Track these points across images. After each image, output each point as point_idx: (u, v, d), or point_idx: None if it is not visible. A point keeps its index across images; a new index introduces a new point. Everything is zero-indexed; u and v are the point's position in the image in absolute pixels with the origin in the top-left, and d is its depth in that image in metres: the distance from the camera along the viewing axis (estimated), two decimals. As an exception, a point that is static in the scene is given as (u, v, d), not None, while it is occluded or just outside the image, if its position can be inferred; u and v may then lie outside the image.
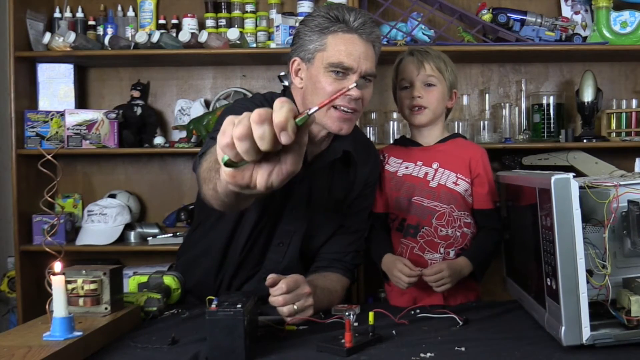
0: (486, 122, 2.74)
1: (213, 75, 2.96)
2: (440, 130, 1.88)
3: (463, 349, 1.20)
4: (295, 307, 1.35)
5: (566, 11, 2.78)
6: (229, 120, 0.78)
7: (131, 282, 1.61)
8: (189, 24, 2.76)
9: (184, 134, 2.78)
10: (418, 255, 1.80)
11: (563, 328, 1.14)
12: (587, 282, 1.14)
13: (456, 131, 2.60)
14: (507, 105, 2.76)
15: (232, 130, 0.76)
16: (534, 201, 1.28)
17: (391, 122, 2.75)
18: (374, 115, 2.80)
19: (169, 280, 1.60)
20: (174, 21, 2.82)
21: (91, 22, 2.83)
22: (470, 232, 1.82)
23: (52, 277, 1.15)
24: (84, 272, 1.30)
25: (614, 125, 2.71)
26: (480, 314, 1.48)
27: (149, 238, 2.72)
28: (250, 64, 2.92)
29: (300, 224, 1.64)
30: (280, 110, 0.74)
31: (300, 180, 1.61)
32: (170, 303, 1.59)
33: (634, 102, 2.74)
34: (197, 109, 2.82)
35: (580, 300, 1.12)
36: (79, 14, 2.84)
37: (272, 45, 2.71)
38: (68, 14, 2.83)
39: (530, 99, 2.77)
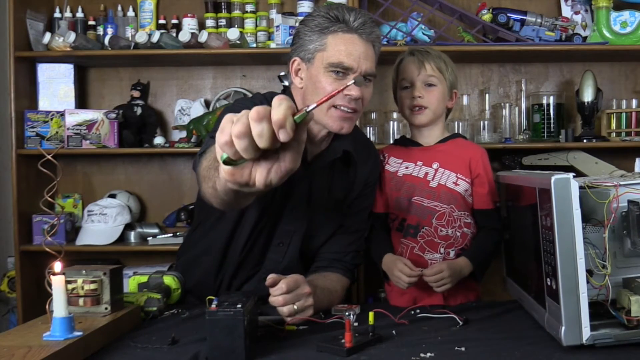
0: (486, 122, 2.74)
1: (213, 75, 2.96)
2: (440, 130, 1.88)
3: (463, 349, 1.20)
4: (295, 307, 1.35)
5: (566, 11, 2.78)
6: (228, 118, 0.78)
7: (131, 282, 1.61)
8: (189, 24, 2.76)
9: (184, 134, 2.78)
10: (418, 255, 1.80)
11: (563, 328, 1.14)
12: (587, 282, 1.14)
13: (456, 131, 2.60)
14: (507, 105, 2.76)
15: (230, 128, 0.76)
16: (534, 201, 1.28)
17: (391, 122, 2.75)
18: (374, 115, 2.80)
19: (169, 280, 1.60)
20: (174, 21, 2.82)
21: (91, 22, 2.83)
22: (471, 232, 1.82)
23: (52, 277, 1.15)
24: (84, 272, 1.30)
25: (614, 125, 2.71)
26: (480, 314, 1.48)
27: (149, 238, 2.72)
28: (250, 64, 2.92)
29: (300, 223, 1.64)
30: (279, 107, 0.74)
31: (300, 180, 1.61)
32: (170, 303, 1.59)
33: (634, 102, 2.74)
34: (197, 109, 2.82)
35: (580, 300, 1.12)
36: (79, 14, 2.84)
37: (272, 45, 2.71)
38: (68, 14, 2.83)
39: (530, 99, 2.77)
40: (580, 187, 1.16)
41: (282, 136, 0.74)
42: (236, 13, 2.80)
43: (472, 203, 1.83)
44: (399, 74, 1.86)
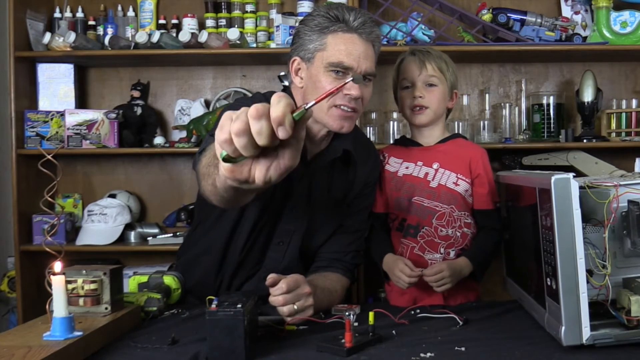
0: (486, 122, 2.74)
1: (213, 75, 2.96)
2: (440, 130, 1.88)
3: (463, 349, 1.20)
4: (295, 307, 1.35)
5: (566, 11, 2.78)
6: (227, 115, 0.78)
7: (131, 282, 1.61)
8: (189, 24, 2.76)
9: (184, 134, 2.78)
10: (418, 255, 1.80)
11: (563, 328, 1.14)
12: (587, 282, 1.14)
13: (456, 131, 2.60)
14: (507, 105, 2.76)
15: (230, 125, 0.77)
16: (534, 201, 1.28)
17: (391, 122, 2.75)
18: (374, 115, 2.80)
19: (169, 280, 1.60)
20: (174, 21, 2.82)
21: (91, 22, 2.83)
22: (471, 233, 1.82)
23: (52, 277, 1.15)
24: (84, 272, 1.30)
25: (614, 125, 2.71)
26: (480, 314, 1.48)
27: (149, 238, 2.72)
28: (250, 64, 2.92)
29: (300, 223, 1.64)
30: (278, 105, 0.74)
31: (300, 179, 1.61)
32: (170, 303, 1.59)
33: (634, 102, 2.74)
34: (197, 109, 2.82)
35: (580, 300, 1.12)
36: (79, 14, 2.84)
37: (272, 45, 2.71)
38: (68, 14, 2.83)
39: (530, 99, 2.77)
40: (580, 187, 1.16)
41: (281, 133, 0.74)
42: (236, 13, 2.80)
43: (472, 203, 1.83)
44: (399, 74, 1.86)
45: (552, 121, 2.68)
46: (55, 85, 2.82)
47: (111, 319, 1.27)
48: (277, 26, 2.68)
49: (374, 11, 2.61)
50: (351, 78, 0.84)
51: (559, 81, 2.90)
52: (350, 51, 1.50)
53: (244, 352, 1.12)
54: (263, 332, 1.31)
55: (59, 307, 1.13)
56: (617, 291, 1.19)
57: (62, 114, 2.69)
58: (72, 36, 2.62)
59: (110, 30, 2.79)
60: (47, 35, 2.67)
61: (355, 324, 1.37)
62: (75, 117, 2.68)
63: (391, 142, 2.40)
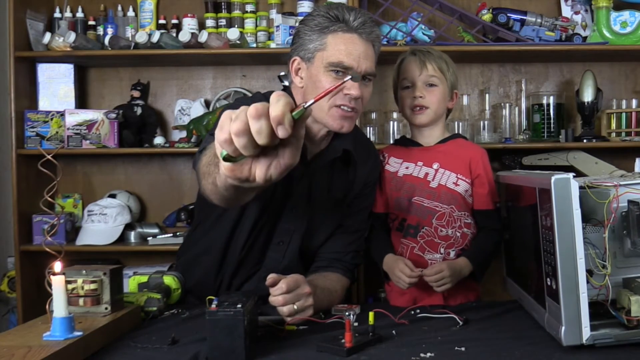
0: (486, 122, 2.74)
1: (213, 75, 2.96)
2: (440, 130, 1.88)
3: (463, 349, 1.20)
4: (295, 307, 1.35)
5: (566, 11, 2.79)
6: (227, 115, 0.79)
7: (131, 282, 1.61)
8: (189, 24, 2.76)
9: (184, 134, 2.78)
10: (418, 255, 1.80)
11: (563, 328, 1.14)
12: (587, 282, 1.14)
13: (456, 131, 2.60)
14: (507, 105, 2.76)
15: (229, 125, 0.77)
16: (534, 201, 1.28)
17: (391, 122, 2.75)
18: (374, 115, 2.80)
19: (169, 280, 1.60)
20: (174, 21, 2.82)
21: (91, 22, 2.83)
22: (471, 233, 1.82)
23: (52, 277, 1.15)
24: (84, 272, 1.30)
25: (614, 125, 2.71)
26: (480, 314, 1.48)
27: (149, 238, 2.72)
28: (250, 64, 2.92)
29: (300, 222, 1.64)
30: (277, 104, 0.74)
31: (300, 179, 1.61)
32: (170, 303, 1.59)
33: (634, 102, 2.74)
34: (197, 109, 2.82)
35: (580, 300, 1.12)
36: (79, 14, 2.84)
37: (272, 45, 2.71)
38: (68, 14, 2.83)
39: (530, 99, 2.77)
40: (580, 187, 1.16)
41: (281, 132, 0.74)
42: (236, 13, 2.80)
43: (472, 203, 1.83)
44: (400, 74, 1.86)
45: (552, 121, 2.68)
46: (55, 85, 2.82)
47: (111, 319, 1.27)
48: (277, 26, 2.68)
49: (374, 11, 2.61)
50: (349, 77, 0.84)
51: (559, 81, 2.90)
52: (350, 51, 1.50)
53: (244, 352, 1.12)
54: (263, 332, 1.31)
55: (59, 307, 1.13)
56: (617, 291, 1.19)
57: (62, 114, 2.69)
58: (72, 36, 2.62)
59: (110, 30, 2.79)
60: (47, 35, 2.67)
61: (355, 324, 1.37)
62: (75, 117, 2.68)
63: (391, 142, 2.40)
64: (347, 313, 1.44)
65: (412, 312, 1.48)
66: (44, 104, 2.81)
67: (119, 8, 2.89)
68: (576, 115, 2.77)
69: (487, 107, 2.82)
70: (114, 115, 2.70)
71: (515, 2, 2.81)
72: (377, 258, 1.82)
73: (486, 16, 2.63)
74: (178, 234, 2.67)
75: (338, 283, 1.65)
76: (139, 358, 1.18)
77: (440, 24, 2.79)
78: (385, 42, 2.53)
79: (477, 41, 2.66)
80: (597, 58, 2.80)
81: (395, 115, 2.74)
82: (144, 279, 1.60)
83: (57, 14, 2.84)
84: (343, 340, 1.19)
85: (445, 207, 1.79)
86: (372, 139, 2.66)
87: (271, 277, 1.35)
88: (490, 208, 1.82)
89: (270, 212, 1.61)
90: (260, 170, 0.80)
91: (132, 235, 2.75)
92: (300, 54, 1.56)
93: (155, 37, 2.60)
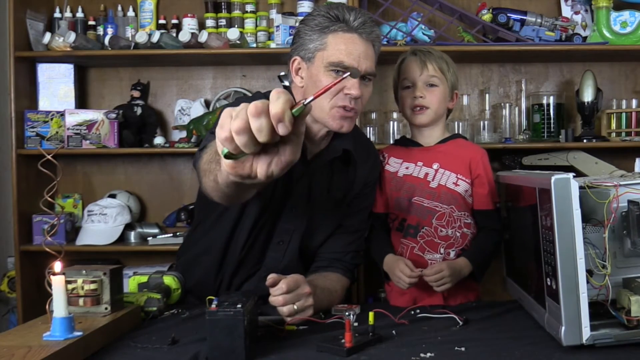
0: (486, 122, 2.74)
1: (213, 75, 2.96)
2: (440, 130, 1.88)
3: (463, 349, 1.20)
4: (295, 307, 1.35)
5: (566, 11, 2.78)
6: (227, 113, 0.79)
7: (131, 282, 1.61)
8: (189, 24, 2.76)
9: (184, 134, 2.78)
10: (418, 255, 1.80)
11: (563, 328, 1.14)
12: (587, 282, 1.14)
13: (456, 131, 2.60)
14: (507, 105, 2.76)
15: (230, 123, 0.77)
16: (534, 201, 1.28)
17: (391, 122, 2.75)
18: (374, 115, 2.80)
19: (169, 280, 1.60)
20: (174, 21, 2.82)
21: (91, 22, 2.83)
22: (471, 233, 1.82)
23: (52, 277, 1.15)
24: (84, 272, 1.30)
25: (614, 125, 2.71)
26: (480, 314, 1.48)
27: (149, 238, 2.72)
28: (250, 64, 2.92)
29: (299, 222, 1.64)
30: (277, 101, 0.74)
31: (300, 179, 1.61)
32: (170, 303, 1.59)
33: (634, 102, 2.74)
34: (197, 109, 2.82)
35: (580, 300, 1.12)
36: (79, 14, 2.84)
37: (272, 45, 2.71)
38: (68, 14, 2.83)
39: (530, 99, 2.77)
40: (580, 187, 1.16)
41: (281, 130, 0.75)
42: (236, 13, 2.80)
43: (472, 203, 1.83)
44: (400, 74, 1.86)
45: (552, 121, 2.68)
46: (55, 85, 2.82)
47: (111, 319, 1.27)
48: (277, 26, 2.68)
49: (374, 11, 2.61)
50: (348, 73, 0.85)
51: (559, 81, 2.90)
52: (351, 51, 1.51)
53: (244, 352, 1.12)
54: (263, 332, 1.31)
55: (59, 307, 1.13)
56: (617, 291, 1.19)
57: (62, 114, 2.69)
58: (72, 36, 2.62)
59: (110, 30, 2.79)
60: (47, 35, 2.67)
61: (355, 324, 1.37)
62: (75, 117, 2.68)
63: (391, 142, 2.40)
64: (347, 313, 1.44)
65: (412, 312, 1.48)
66: (44, 104, 2.81)
67: (119, 8, 2.89)
68: (576, 115, 2.77)
69: (487, 107, 2.82)
70: (114, 115, 2.70)
71: (515, 2, 2.81)
72: (377, 258, 1.82)
73: (486, 16, 2.63)
74: (178, 234, 2.67)
75: (338, 283, 1.65)
76: (139, 358, 1.18)
77: (440, 24, 2.79)
78: (385, 42, 2.53)
79: (477, 41, 2.66)
80: (597, 58, 2.80)
81: (395, 115, 2.74)
82: (144, 279, 1.60)
83: (57, 14, 2.84)
84: (343, 340, 1.19)
85: (445, 207, 1.79)
86: (372, 139, 2.66)
87: (271, 277, 1.35)
88: (490, 208, 1.82)
89: (270, 211, 1.61)
90: (261, 167, 0.81)
91: (132, 235, 2.75)
92: (301, 53, 1.56)
93: (155, 37, 2.60)
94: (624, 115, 2.71)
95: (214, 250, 1.66)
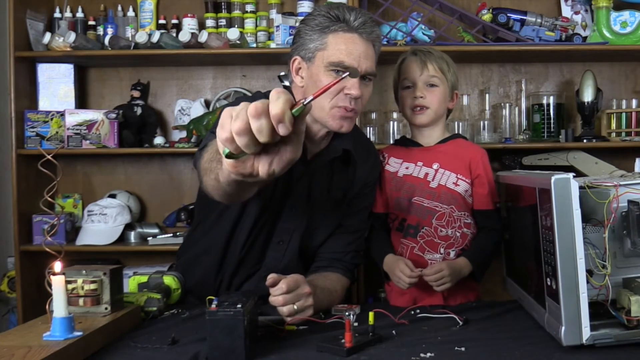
0: (486, 122, 2.74)
1: (213, 75, 2.96)
2: (440, 130, 1.88)
3: (463, 349, 1.20)
4: (295, 307, 1.35)
5: (566, 11, 2.78)
6: (227, 113, 0.79)
7: (131, 282, 1.61)
8: (189, 24, 2.76)
9: (184, 134, 2.78)
10: (418, 255, 1.80)
11: (563, 328, 1.14)
12: (587, 282, 1.14)
13: (456, 131, 2.60)
14: (507, 105, 2.76)
15: (230, 124, 0.78)
16: (534, 201, 1.28)
17: (391, 122, 2.75)
18: (374, 115, 2.80)
19: (169, 280, 1.60)
20: (174, 21, 2.82)
21: (91, 22, 2.83)
22: (471, 233, 1.82)
23: (52, 277, 1.15)
24: (84, 272, 1.30)
25: (614, 125, 2.71)
26: (480, 314, 1.48)
27: (149, 238, 2.72)
28: (250, 64, 2.92)
29: (299, 221, 1.64)
30: (277, 101, 0.75)
31: (300, 179, 1.61)
32: (170, 303, 1.59)
33: (634, 102, 2.74)
34: (197, 109, 2.82)
35: (580, 300, 1.12)
36: (79, 14, 2.84)
37: (272, 45, 2.71)
38: (68, 14, 2.83)
39: (530, 99, 2.77)
40: (580, 187, 1.16)
41: (282, 130, 0.75)
42: (236, 13, 2.80)
43: (472, 203, 1.83)
44: (400, 74, 1.86)
45: (552, 121, 2.68)
46: (55, 85, 2.82)
47: (111, 319, 1.27)
48: (277, 26, 2.68)
49: (374, 11, 2.61)
50: (347, 73, 0.85)
51: (559, 81, 2.90)
52: (351, 51, 1.51)
53: (244, 352, 1.12)
54: (263, 332, 1.31)
55: (59, 307, 1.13)
56: (617, 291, 1.19)
57: (62, 114, 2.69)
58: (72, 36, 2.62)
59: (110, 30, 2.79)
60: (47, 35, 2.67)
61: (355, 324, 1.37)
62: (75, 117, 2.68)
63: (391, 142, 2.40)
64: (347, 313, 1.44)
65: (412, 312, 1.48)
66: (44, 104, 2.81)
67: (119, 8, 2.89)
68: (576, 115, 2.77)
69: (487, 107, 2.82)
70: (114, 115, 2.70)
71: (515, 2, 2.81)
72: (377, 258, 1.82)
73: (486, 16, 2.63)
74: (178, 234, 2.67)
75: (338, 283, 1.65)
76: (139, 358, 1.18)
77: (440, 24, 2.79)
78: (385, 42, 2.53)
79: (477, 41, 2.66)
80: (597, 58, 2.80)
81: (395, 115, 2.74)
82: (144, 279, 1.60)
83: (57, 14, 2.84)
84: (343, 340, 1.19)
85: (445, 207, 1.79)
86: (372, 139, 2.66)
87: (271, 277, 1.35)
88: (490, 208, 1.82)
89: (270, 211, 1.61)
90: (262, 166, 0.81)
91: (132, 235, 2.75)
92: (301, 53, 1.56)
93: (155, 37, 2.60)
94: (624, 115, 2.71)
95: (214, 250, 1.66)
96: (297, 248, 1.66)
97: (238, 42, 2.65)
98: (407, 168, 1.84)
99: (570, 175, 1.15)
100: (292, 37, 1.69)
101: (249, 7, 2.81)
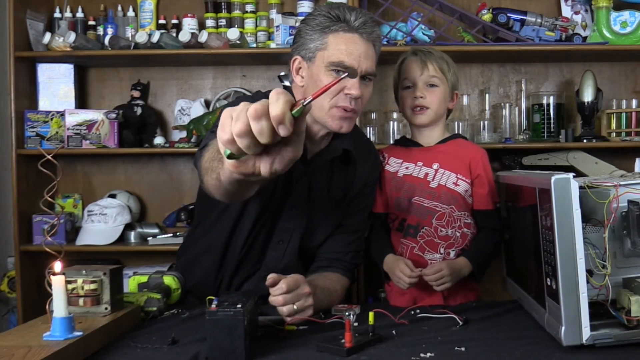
0: (486, 122, 2.74)
1: (213, 75, 2.96)
2: (440, 130, 1.88)
3: (463, 349, 1.20)
4: (295, 307, 1.35)
5: (566, 11, 2.78)
6: (227, 113, 0.80)
7: (131, 282, 1.61)
8: (189, 24, 2.76)
9: (184, 134, 2.78)
10: (418, 255, 1.80)
11: (563, 328, 1.14)
12: (587, 282, 1.14)
13: (456, 131, 2.60)
14: (507, 105, 2.76)
15: (230, 125, 0.78)
16: (534, 201, 1.28)
17: (391, 122, 2.75)
18: (374, 115, 2.80)
19: (169, 280, 1.60)
20: (174, 21, 2.82)
21: (91, 22, 2.83)
22: (470, 233, 1.82)
23: (52, 277, 1.15)
24: (84, 272, 1.30)
25: (614, 125, 2.71)
26: (480, 314, 1.48)
27: (149, 238, 2.72)
28: (250, 64, 2.92)
29: (299, 221, 1.64)
30: (277, 103, 0.75)
31: (300, 178, 1.61)
32: (170, 303, 1.59)
33: (634, 102, 2.74)
34: (197, 109, 2.82)
35: (580, 300, 1.12)
36: (79, 14, 2.84)
37: (272, 45, 2.71)
38: (68, 14, 2.83)
39: (530, 99, 2.77)
40: (580, 187, 1.16)
41: (282, 132, 0.76)
42: (236, 13, 2.80)
43: (472, 203, 1.83)
44: (401, 74, 1.86)
45: (552, 121, 2.68)
46: (55, 85, 2.81)
47: (111, 319, 1.27)
48: (277, 26, 2.68)
49: (374, 11, 2.61)
50: (346, 74, 0.85)
51: (559, 81, 2.90)
52: (351, 51, 1.51)
53: (244, 352, 1.12)
54: (263, 332, 1.31)
55: (59, 307, 1.13)
56: (617, 291, 1.19)
57: (62, 114, 2.69)
58: (72, 36, 2.62)
59: (110, 30, 2.79)
60: (47, 35, 2.67)
61: (355, 324, 1.37)
62: (75, 117, 2.68)
63: (391, 142, 2.40)
64: (347, 313, 1.44)
65: (412, 312, 1.48)
66: (44, 104, 2.81)
67: (119, 8, 2.89)
68: (576, 115, 2.77)
69: (487, 107, 2.82)
70: (114, 115, 2.70)
71: (515, 2, 2.81)
72: (378, 258, 1.82)
73: (486, 16, 2.63)
74: (178, 234, 2.67)
75: (338, 283, 1.65)
76: (139, 358, 1.18)
77: (440, 24, 2.79)
78: (385, 42, 2.53)
79: (477, 41, 2.66)
80: (597, 58, 2.80)
81: (395, 115, 2.74)
82: (144, 279, 1.60)
83: (57, 14, 2.84)
84: (343, 340, 1.19)
85: (445, 207, 1.79)
86: (372, 139, 2.66)
87: (271, 277, 1.35)
88: (490, 208, 1.82)
89: (270, 210, 1.61)
90: (264, 166, 0.82)
91: (132, 235, 2.75)
92: (301, 53, 1.56)
93: (155, 37, 2.60)
94: (624, 115, 2.71)
95: (214, 249, 1.66)
96: (297, 248, 1.66)
97: (238, 42, 2.65)
98: (407, 168, 1.84)
99: (570, 175, 1.15)
100: (292, 37, 1.69)
101: (249, 7, 2.81)
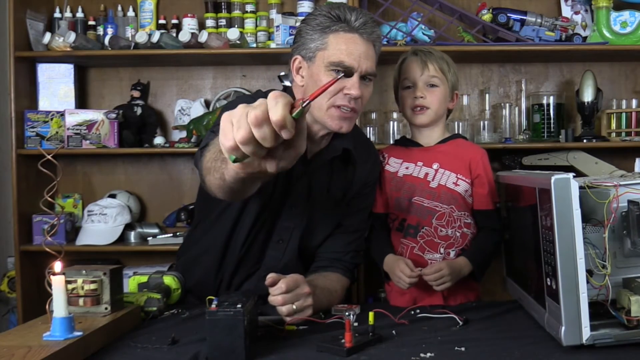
0: (486, 122, 2.74)
1: (213, 75, 2.96)
2: (441, 130, 1.88)
3: (463, 349, 1.20)
4: (294, 306, 1.35)
5: (566, 11, 2.78)
6: (226, 118, 0.81)
7: (131, 282, 1.61)
8: (189, 24, 2.76)
9: (184, 134, 2.78)
10: (418, 255, 1.80)
11: (563, 328, 1.14)
12: (587, 282, 1.14)
13: (456, 131, 2.60)
14: (507, 105, 2.76)
15: (232, 132, 0.80)
16: (534, 201, 1.28)
17: (391, 122, 2.75)
18: (374, 115, 2.80)
19: (169, 280, 1.60)
20: (174, 21, 2.82)
21: (91, 22, 2.83)
22: (470, 233, 1.82)
23: (52, 277, 1.15)
24: (84, 272, 1.30)
25: (614, 125, 2.71)
26: (480, 314, 1.48)
27: (149, 238, 2.72)
28: (250, 64, 2.92)
29: (299, 220, 1.65)
30: (276, 107, 0.76)
31: (300, 178, 1.62)
32: (170, 303, 1.59)
33: (634, 102, 2.74)
34: (197, 109, 2.82)
35: (580, 300, 1.12)
36: (79, 14, 2.84)
37: (272, 45, 2.71)
38: (68, 14, 2.83)
39: (530, 99, 2.77)
40: (580, 187, 1.16)
41: (285, 135, 0.78)
42: (236, 13, 2.80)
43: (472, 203, 1.83)
44: (401, 74, 1.86)
45: (552, 121, 2.68)
46: (55, 85, 2.81)
47: (111, 319, 1.27)
48: (277, 26, 2.68)
49: (374, 11, 2.61)
50: (342, 74, 0.86)
51: (559, 81, 2.90)
52: (351, 51, 1.51)
53: (244, 352, 1.12)
54: (263, 332, 1.31)
55: (59, 307, 1.13)
56: (617, 291, 1.19)
57: (62, 114, 2.69)
58: (72, 36, 2.62)
59: (110, 30, 2.79)
60: (47, 35, 2.67)
61: (355, 324, 1.38)
62: (75, 117, 2.68)
63: (391, 142, 2.40)
64: (347, 313, 1.44)
65: (412, 312, 1.48)
66: (44, 104, 2.81)
67: (119, 8, 2.89)
68: (576, 115, 2.77)
69: (487, 107, 2.82)
70: (114, 115, 2.70)
71: (515, 2, 2.81)
72: (378, 258, 1.82)
73: (486, 16, 2.63)
74: (178, 234, 2.67)
75: (338, 283, 1.65)
76: (139, 358, 1.18)
77: (440, 24, 2.79)
78: (385, 42, 2.53)
79: (477, 41, 2.66)
80: (597, 58, 2.80)
81: (395, 115, 2.74)
82: (144, 279, 1.60)
83: (57, 14, 2.84)
84: (343, 340, 1.19)
85: (445, 207, 1.79)
86: (372, 139, 2.66)
87: (270, 276, 1.35)
88: (490, 208, 1.82)
89: (270, 210, 1.61)
90: (270, 165, 0.84)
91: (132, 235, 2.75)
92: (302, 53, 1.57)
93: (155, 37, 2.60)
94: (624, 115, 2.71)
95: (214, 249, 1.66)
96: (296, 247, 1.66)
97: (238, 42, 2.65)
98: (407, 168, 1.85)
99: (570, 175, 1.15)
100: (292, 37, 1.69)
101: (249, 7, 2.80)
